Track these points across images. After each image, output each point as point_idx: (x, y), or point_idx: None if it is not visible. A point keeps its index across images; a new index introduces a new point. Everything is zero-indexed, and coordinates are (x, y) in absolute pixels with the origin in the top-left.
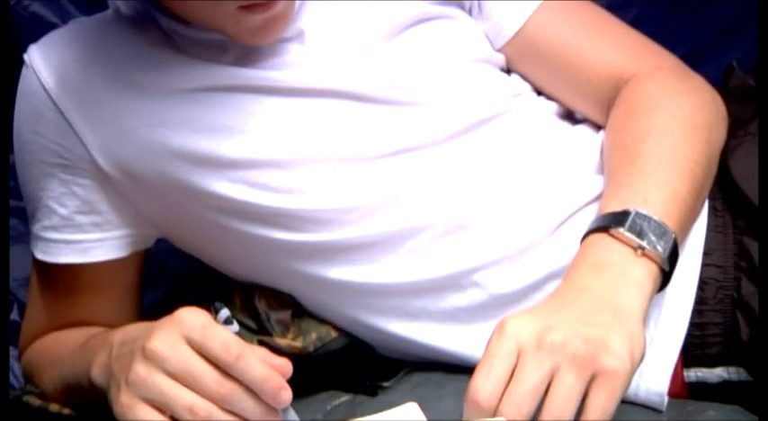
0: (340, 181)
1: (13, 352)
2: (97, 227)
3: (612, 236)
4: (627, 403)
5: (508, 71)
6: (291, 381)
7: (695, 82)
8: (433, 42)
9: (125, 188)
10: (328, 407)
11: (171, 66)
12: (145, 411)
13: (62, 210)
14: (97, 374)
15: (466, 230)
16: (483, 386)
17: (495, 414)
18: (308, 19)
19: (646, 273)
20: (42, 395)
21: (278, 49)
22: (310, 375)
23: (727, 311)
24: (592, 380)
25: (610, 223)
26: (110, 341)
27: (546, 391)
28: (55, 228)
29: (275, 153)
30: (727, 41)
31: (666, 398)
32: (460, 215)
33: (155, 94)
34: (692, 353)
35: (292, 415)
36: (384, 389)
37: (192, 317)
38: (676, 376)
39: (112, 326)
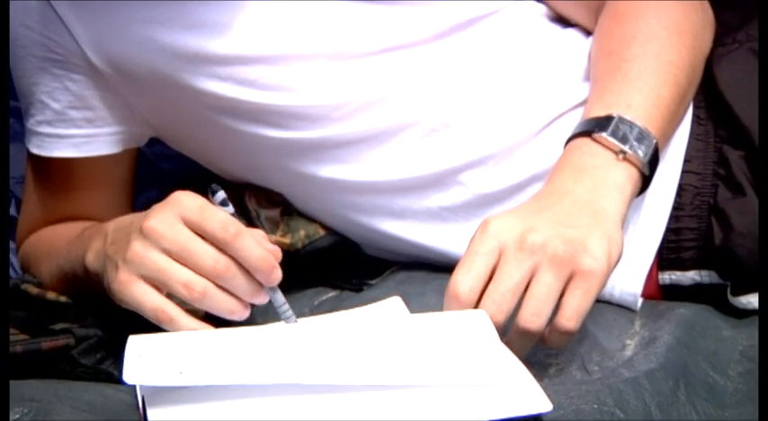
0: (328, 78)
1: (11, 245)
2: (89, 122)
3: (595, 140)
4: (602, 302)
5: None
6: (283, 276)
7: None
8: None
9: (117, 84)
10: (315, 303)
11: None
12: (141, 287)
13: (55, 105)
14: (92, 260)
15: (451, 129)
16: (463, 280)
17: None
18: None
19: (626, 176)
20: (40, 284)
21: None
22: (298, 271)
23: (703, 217)
24: (569, 280)
25: (593, 128)
26: (104, 229)
27: (525, 290)
28: (48, 123)
29: (263, 49)
30: None
31: (640, 300)
32: (446, 114)
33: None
34: (666, 256)
35: (279, 296)
36: (370, 286)
37: (188, 199)
38: (651, 278)
39: (106, 220)
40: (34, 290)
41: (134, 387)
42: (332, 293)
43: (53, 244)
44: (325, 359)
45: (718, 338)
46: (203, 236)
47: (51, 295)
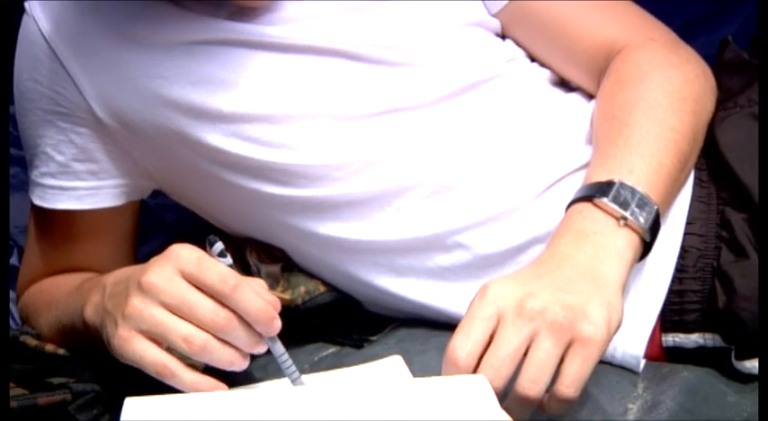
0: (331, 137)
1: (11, 295)
2: (93, 175)
3: (596, 205)
4: (604, 363)
5: (503, 36)
6: (280, 333)
7: (686, 54)
8: (429, 5)
9: (121, 137)
10: (315, 359)
11: (169, 18)
12: (142, 343)
13: (59, 158)
14: (91, 314)
15: (452, 191)
16: (462, 345)
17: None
18: None
19: (627, 243)
20: (39, 336)
21: (275, 5)
22: (298, 327)
23: (707, 279)
24: (568, 347)
25: (594, 193)
26: (103, 282)
27: (524, 355)
28: (52, 175)
29: (267, 108)
30: (721, 17)
31: (643, 361)
32: (448, 176)
33: (152, 46)
34: (670, 318)
35: (279, 346)
36: (370, 342)
37: (186, 252)
38: (654, 340)
39: (108, 272)
40: (33, 342)
41: None
42: (332, 349)
43: (52, 295)
44: None
45: (723, 405)
46: (202, 288)
47: (50, 347)
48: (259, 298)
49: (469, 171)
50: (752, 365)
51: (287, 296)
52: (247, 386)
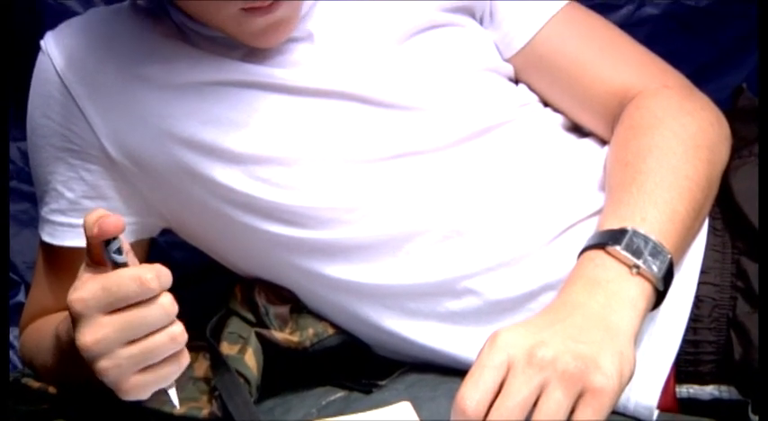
0: (341, 180)
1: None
2: None
3: (609, 253)
4: (616, 414)
5: (516, 81)
6: (288, 375)
7: (700, 101)
8: (441, 49)
9: (132, 175)
10: (323, 403)
11: (182, 58)
12: (140, 380)
13: (69, 195)
14: None
15: (463, 236)
16: (471, 395)
17: None
18: (318, 20)
19: (640, 292)
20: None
21: (286, 48)
22: (306, 370)
23: (722, 330)
24: (579, 397)
25: (607, 240)
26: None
27: (534, 405)
28: (62, 212)
29: (278, 150)
30: (732, 63)
31: (656, 412)
32: (458, 221)
33: (164, 86)
34: (684, 369)
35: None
36: (379, 387)
37: (84, 294)
38: (668, 391)
39: None
40: (35, 384)
41: None
42: (340, 394)
43: (46, 334)
44: None
45: None
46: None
47: (52, 389)
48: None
49: (480, 216)
50: None
51: (295, 338)
52: None
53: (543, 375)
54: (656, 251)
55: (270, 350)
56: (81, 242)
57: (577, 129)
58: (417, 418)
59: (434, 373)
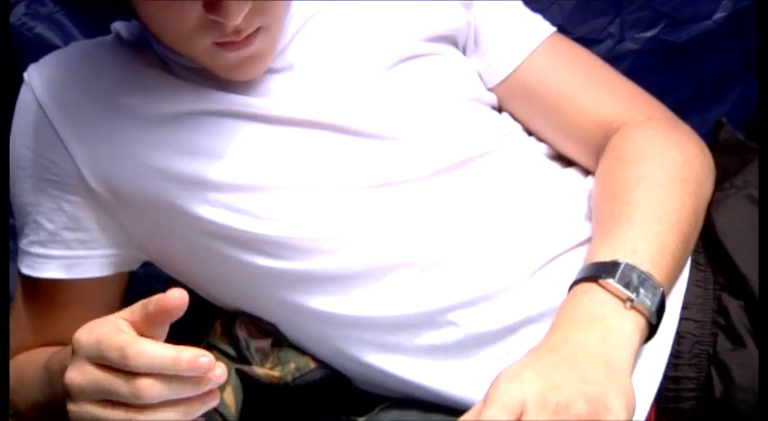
0: (321, 210)
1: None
2: (82, 244)
3: (602, 286)
4: None
5: (499, 109)
6: (269, 412)
7: (685, 133)
8: (423, 79)
9: (113, 207)
10: None
11: (163, 89)
12: None
13: (49, 226)
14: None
15: (444, 268)
16: None
17: None
18: (298, 50)
19: (634, 326)
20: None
21: (267, 78)
22: (287, 406)
23: (703, 367)
24: None
25: (599, 273)
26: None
27: None
28: (41, 244)
29: (256, 179)
30: (713, 98)
31: None
32: (440, 253)
33: (145, 116)
34: (665, 406)
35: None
36: None
37: (86, 336)
38: None
39: None
40: None
41: None
42: None
43: (24, 372)
44: None
45: None
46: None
47: None
48: (167, 350)
49: (461, 248)
50: None
51: (276, 373)
52: None
53: (558, 420)
54: (649, 284)
55: (250, 386)
56: (59, 273)
57: (561, 159)
58: None
59: (416, 409)
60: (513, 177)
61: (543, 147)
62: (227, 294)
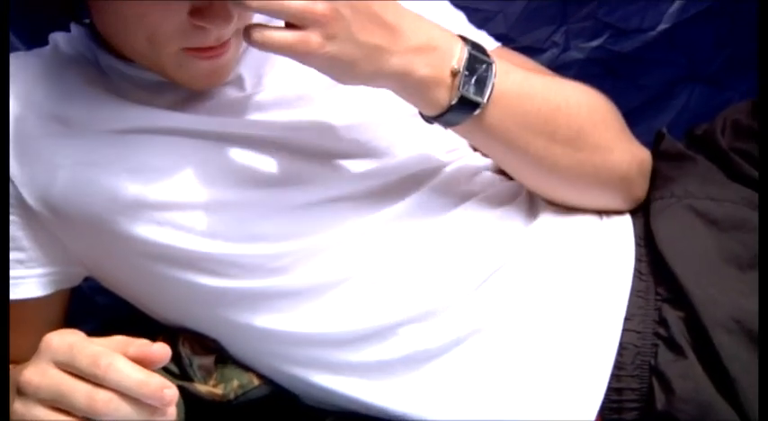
0: (266, 227)
1: None
2: (21, 263)
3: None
4: None
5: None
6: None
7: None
8: (368, 96)
9: (52, 225)
10: None
11: (104, 106)
12: None
13: None
14: None
15: (389, 284)
16: None
17: None
18: (247, 65)
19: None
20: None
21: (213, 94)
22: None
23: (644, 378)
24: None
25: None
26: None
27: None
28: None
29: (200, 196)
30: (658, 107)
31: None
32: (385, 268)
33: (85, 133)
34: (609, 417)
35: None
36: None
37: (58, 339)
38: None
39: None
40: None
41: None
42: None
43: None
44: None
45: None
46: (79, 374)
47: None
48: (138, 371)
49: (405, 263)
50: None
51: (219, 391)
52: None
53: None
54: (484, 85)
55: (193, 404)
56: None
57: (505, 173)
58: None
59: None
60: (456, 191)
61: (488, 162)
62: (171, 312)
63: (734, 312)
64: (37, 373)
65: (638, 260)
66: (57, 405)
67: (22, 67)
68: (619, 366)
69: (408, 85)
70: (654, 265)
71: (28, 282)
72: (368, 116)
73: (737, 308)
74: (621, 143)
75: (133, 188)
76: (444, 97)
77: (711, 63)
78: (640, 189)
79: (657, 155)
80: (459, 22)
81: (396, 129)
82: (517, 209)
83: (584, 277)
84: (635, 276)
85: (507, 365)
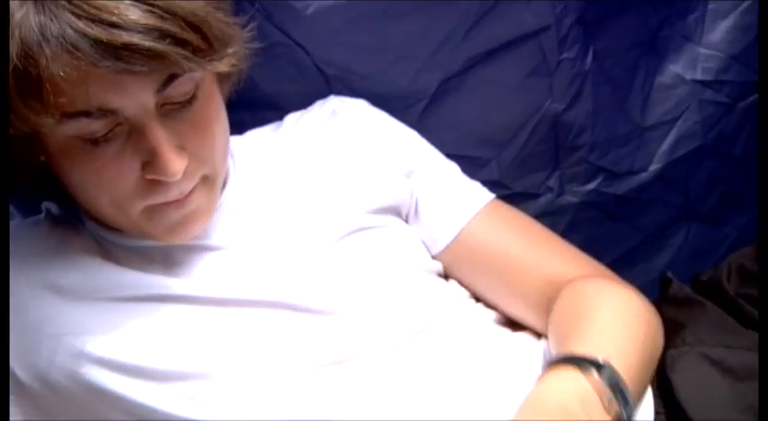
0: (271, 393)
1: None
2: None
3: (585, 376)
4: None
5: (446, 277)
6: None
7: (628, 288)
8: (369, 251)
9: (42, 399)
10: None
11: (99, 272)
12: None
13: None
14: None
15: None
16: None
17: None
18: (239, 225)
19: None
20: None
21: (205, 258)
22: None
23: None
24: None
25: (581, 363)
26: None
27: None
28: None
29: (202, 365)
30: (656, 247)
31: None
32: None
33: (80, 302)
34: None
35: None
36: None
37: None
38: None
39: None
40: None
41: None
42: None
43: None
44: None
45: None
46: None
47: None
48: None
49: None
50: None
51: None
52: None
53: None
54: (624, 394)
55: None
56: None
57: (511, 324)
58: None
59: None
60: (464, 345)
61: (492, 313)
62: None
63: None
64: None
65: (656, 412)
66: None
67: (15, 238)
68: None
69: None
70: (674, 417)
71: None
72: (370, 272)
73: None
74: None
75: (128, 358)
76: None
77: (706, 200)
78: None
79: (666, 300)
80: (453, 177)
81: (400, 283)
82: (527, 358)
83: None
84: None
85: None
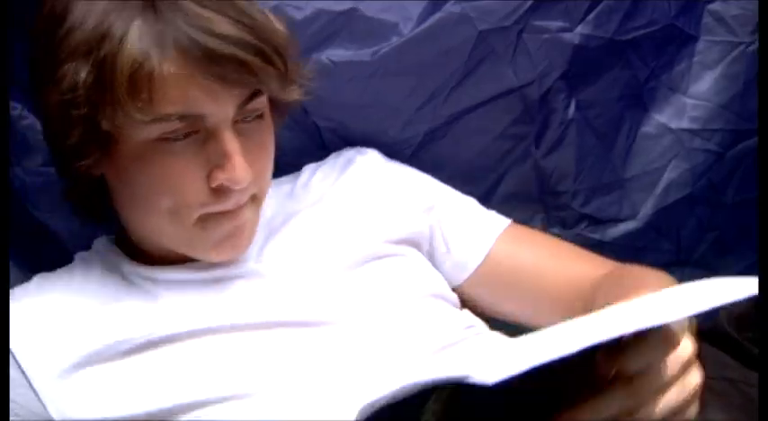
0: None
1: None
2: None
3: None
4: None
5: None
6: None
7: None
8: (387, 276)
9: None
10: None
11: (134, 315)
12: None
13: None
14: None
15: None
16: None
17: None
18: (270, 255)
19: None
20: None
21: (236, 285)
22: None
23: None
24: None
25: None
26: None
27: None
28: None
29: (246, 388)
30: None
31: None
32: None
33: (124, 352)
34: None
35: None
36: None
37: None
38: None
39: None
40: None
41: None
42: None
43: None
44: None
45: None
46: None
47: None
48: None
49: None
50: None
51: None
52: None
53: None
54: None
55: None
56: None
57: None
58: None
59: None
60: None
61: (506, 340)
62: None
63: None
64: None
65: None
66: None
67: (48, 289)
68: None
69: None
70: None
71: None
72: (388, 295)
73: None
74: None
75: (179, 393)
76: None
77: (698, 247)
78: None
79: None
80: (473, 206)
81: (416, 306)
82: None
83: None
84: None
85: None
